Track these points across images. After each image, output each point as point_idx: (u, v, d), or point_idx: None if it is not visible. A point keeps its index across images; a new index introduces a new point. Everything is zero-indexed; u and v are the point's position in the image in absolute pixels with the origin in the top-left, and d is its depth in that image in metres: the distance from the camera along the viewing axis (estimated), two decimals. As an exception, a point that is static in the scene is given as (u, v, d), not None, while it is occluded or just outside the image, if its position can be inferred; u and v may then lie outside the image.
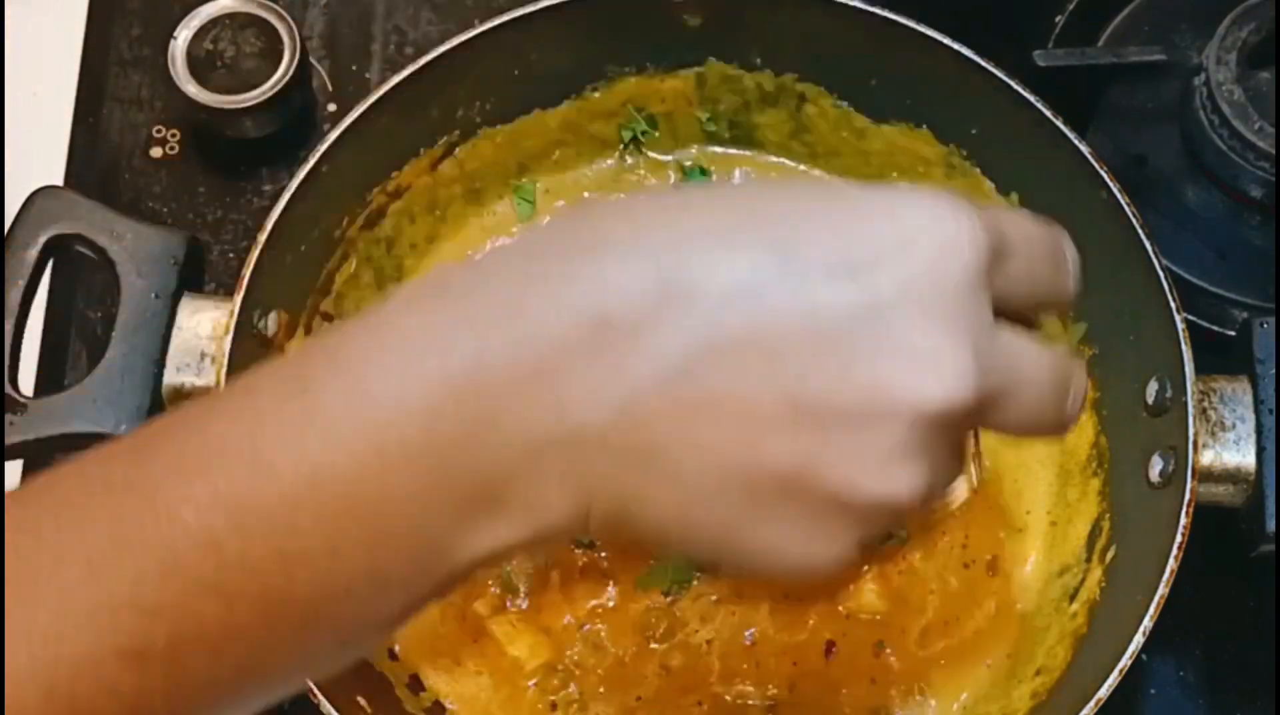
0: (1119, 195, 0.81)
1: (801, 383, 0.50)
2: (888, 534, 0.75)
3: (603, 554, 0.86)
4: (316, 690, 0.73)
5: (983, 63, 0.84)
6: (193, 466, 0.49)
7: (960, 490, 0.58)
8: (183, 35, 0.97)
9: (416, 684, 0.84)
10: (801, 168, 0.95)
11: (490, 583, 0.86)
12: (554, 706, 0.84)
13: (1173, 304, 0.79)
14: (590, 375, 0.49)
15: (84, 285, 0.97)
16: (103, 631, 0.48)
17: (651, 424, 0.49)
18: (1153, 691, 0.88)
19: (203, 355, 0.79)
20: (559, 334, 0.49)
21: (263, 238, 0.80)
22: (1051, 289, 0.57)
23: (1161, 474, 0.79)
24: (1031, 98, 0.84)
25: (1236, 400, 0.79)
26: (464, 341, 0.49)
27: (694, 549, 0.53)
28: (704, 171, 0.95)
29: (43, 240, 0.81)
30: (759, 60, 0.91)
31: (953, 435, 0.53)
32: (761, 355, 0.49)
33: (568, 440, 0.50)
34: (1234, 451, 0.78)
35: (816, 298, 0.50)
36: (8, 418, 0.78)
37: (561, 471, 0.50)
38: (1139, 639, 0.74)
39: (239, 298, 0.79)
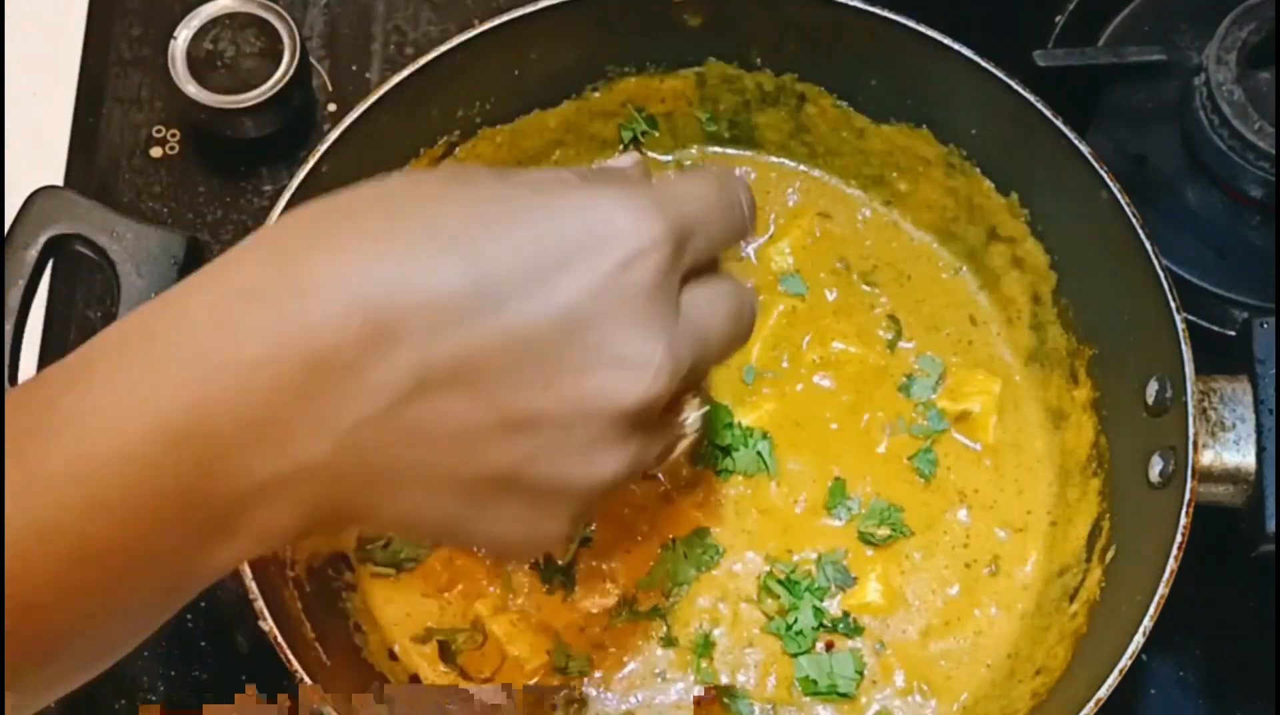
0: (1119, 195, 0.81)
1: (510, 400, 0.53)
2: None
3: (610, 565, 0.86)
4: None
5: (983, 63, 0.84)
6: None
7: (687, 438, 0.65)
8: (183, 35, 0.97)
9: (416, 684, 0.84)
10: (801, 168, 0.95)
11: (490, 583, 0.86)
12: (554, 707, 0.84)
13: (1173, 304, 0.79)
14: (309, 414, 0.51)
15: (84, 285, 0.97)
16: None
17: (372, 452, 0.52)
18: (1153, 691, 0.88)
19: (203, 355, 0.79)
20: (274, 381, 0.51)
21: (263, 238, 0.80)
22: (729, 243, 0.62)
23: (1161, 474, 0.79)
24: (1031, 98, 0.84)
25: (1236, 400, 0.78)
26: (178, 395, 0.50)
27: (422, 539, 0.63)
28: (704, 171, 0.95)
29: (43, 240, 0.80)
30: (759, 60, 0.91)
31: (656, 414, 0.57)
32: (470, 381, 0.52)
33: (293, 476, 0.52)
34: (1234, 451, 0.78)
35: (515, 318, 0.52)
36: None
37: (290, 500, 0.52)
38: (1139, 639, 0.74)
39: (239, 298, 0.79)
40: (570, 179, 0.58)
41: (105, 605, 0.53)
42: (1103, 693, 0.73)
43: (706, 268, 0.61)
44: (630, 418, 0.55)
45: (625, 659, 0.84)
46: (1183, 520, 0.75)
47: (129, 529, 0.51)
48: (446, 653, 0.84)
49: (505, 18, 0.86)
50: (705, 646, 0.84)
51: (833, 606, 0.85)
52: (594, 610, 0.85)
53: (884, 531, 0.86)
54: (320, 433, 0.51)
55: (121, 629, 0.55)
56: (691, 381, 0.60)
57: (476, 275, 0.52)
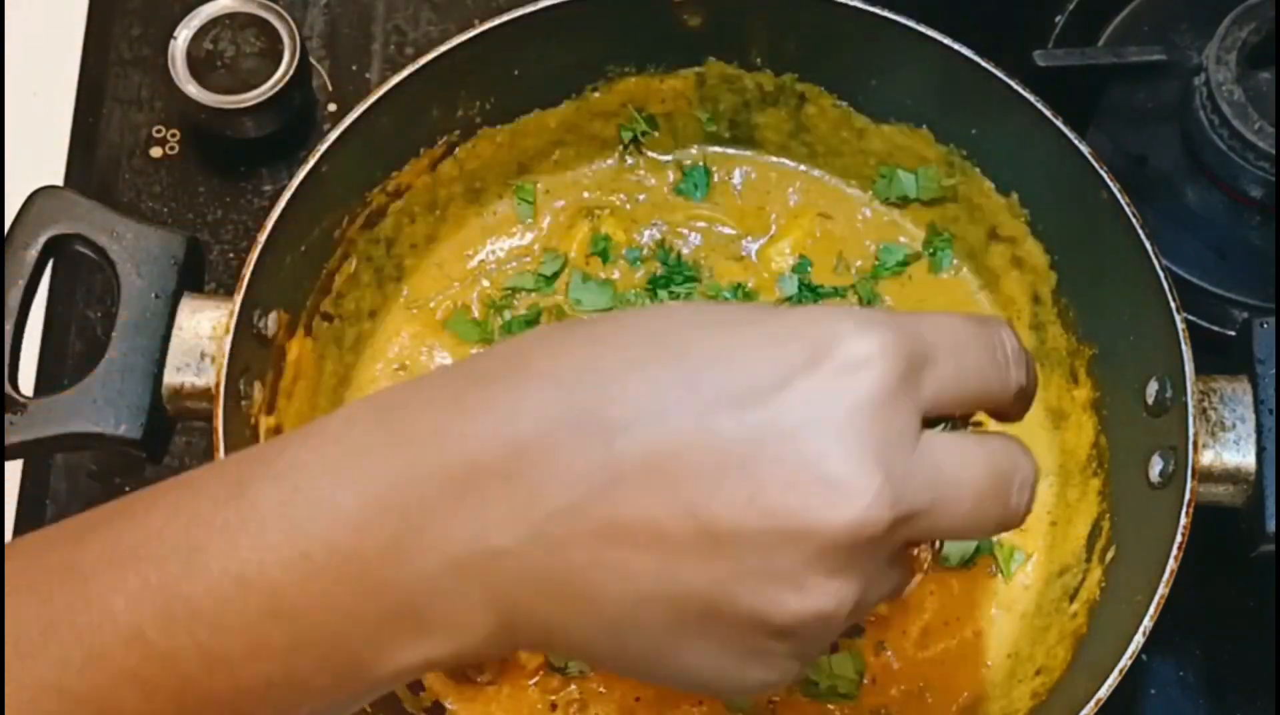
0: (1119, 195, 0.81)
1: (708, 507, 0.50)
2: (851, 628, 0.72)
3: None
4: (316, 690, 0.74)
5: (983, 63, 0.84)
6: (127, 556, 0.51)
7: (911, 581, 0.58)
8: (183, 35, 0.97)
9: (416, 684, 0.84)
10: (801, 168, 0.95)
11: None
12: (554, 706, 0.84)
13: (1173, 304, 0.79)
14: (507, 499, 0.50)
15: (84, 285, 0.97)
16: (25, 713, 0.49)
17: (567, 547, 0.50)
18: (1153, 691, 0.88)
19: (203, 355, 0.79)
20: (479, 459, 0.50)
21: (263, 238, 0.80)
22: (988, 389, 0.56)
23: (1161, 474, 0.79)
24: (1031, 98, 0.84)
25: (1236, 400, 0.78)
26: (394, 459, 0.51)
27: (628, 672, 0.54)
28: (707, 171, 0.95)
29: (43, 240, 0.80)
30: (759, 60, 0.91)
31: (879, 550, 0.52)
32: (666, 479, 0.50)
33: (487, 561, 0.51)
34: (1234, 451, 0.78)
35: (720, 422, 0.50)
36: (8, 418, 0.78)
37: (484, 592, 0.51)
38: (1139, 639, 0.74)
39: (239, 298, 0.79)
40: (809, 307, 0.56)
41: (288, 676, 0.51)
42: (1103, 693, 0.73)
43: (967, 417, 0.56)
44: (842, 548, 0.50)
45: (625, 659, 0.84)
46: (1183, 520, 0.75)
47: (326, 590, 0.50)
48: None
49: (505, 18, 0.86)
50: (705, 646, 0.84)
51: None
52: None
53: None
54: (514, 519, 0.50)
55: (289, 712, 0.53)
56: (926, 537, 0.54)
57: (685, 375, 0.51)
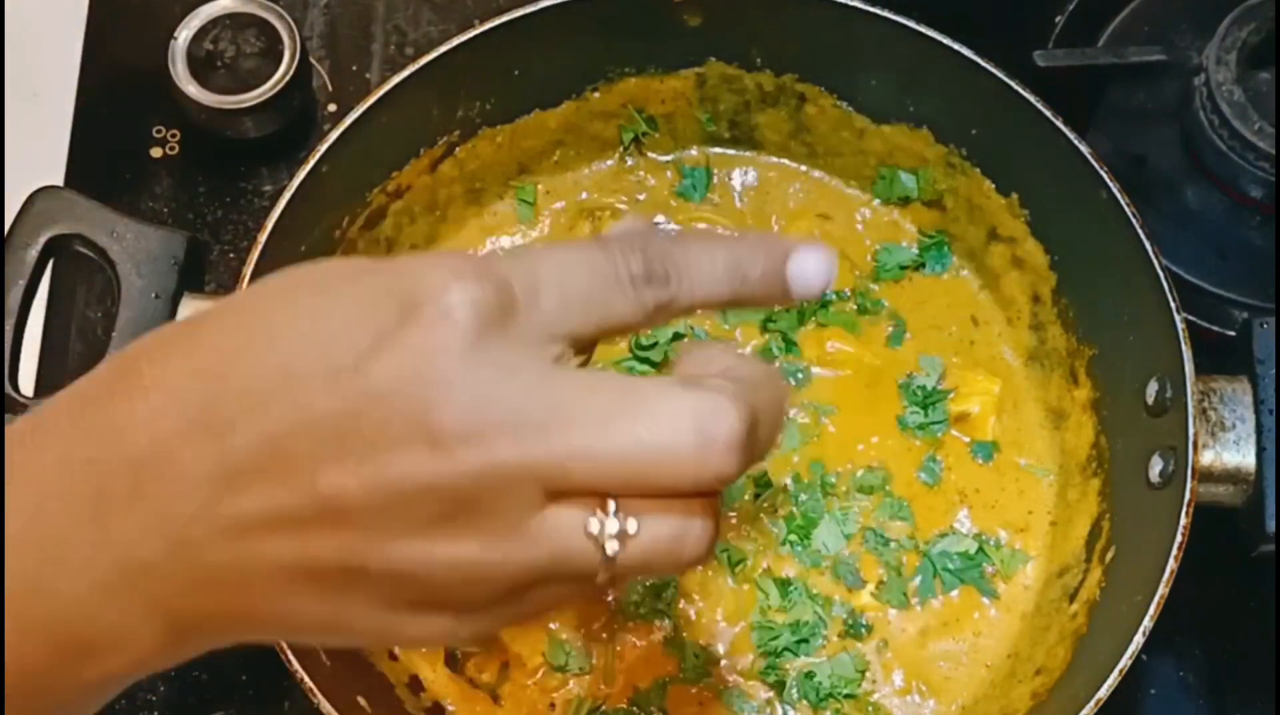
0: (1119, 195, 0.81)
1: (319, 483, 0.50)
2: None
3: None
4: (316, 690, 0.74)
5: (983, 63, 0.85)
6: None
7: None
8: (183, 35, 0.97)
9: (416, 684, 0.84)
10: (801, 168, 0.95)
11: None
12: (553, 706, 0.84)
13: (1173, 304, 0.79)
14: (140, 515, 0.51)
15: (84, 285, 0.97)
16: None
17: (207, 549, 0.51)
18: (1153, 691, 0.88)
19: (203, 355, 0.79)
20: (105, 483, 0.51)
21: (263, 238, 0.80)
22: (609, 308, 0.54)
23: (1161, 474, 0.79)
24: (1031, 98, 0.84)
25: (1236, 400, 0.79)
26: (23, 497, 0.52)
27: (308, 640, 0.58)
28: (707, 171, 0.95)
29: (43, 240, 0.81)
30: (759, 60, 0.91)
31: (512, 490, 0.50)
32: (279, 465, 0.51)
33: (138, 576, 0.52)
34: (1234, 451, 0.78)
35: (317, 401, 0.50)
36: (8, 418, 0.78)
37: (143, 604, 0.52)
38: (1139, 639, 0.74)
39: (239, 298, 0.79)
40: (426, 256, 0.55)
41: None
42: (1103, 693, 0.73)
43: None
44: (462, 497, 0.50)
45: (625, 656, 0.84)
46: (1183, 520, 0.75)
47: None
48: (452, 660, 0.85)
49: (505, 18, 0.86)
50: (704, 647, 0.84)
51: (837, 608, 0.85)
52: (593, 608, 0.85)
53: (896, 526, 0.86)
54: (152, 532, 0.51)
55: None
56: (587, 475, 0.51)
57: (280, 360, 0.51)
